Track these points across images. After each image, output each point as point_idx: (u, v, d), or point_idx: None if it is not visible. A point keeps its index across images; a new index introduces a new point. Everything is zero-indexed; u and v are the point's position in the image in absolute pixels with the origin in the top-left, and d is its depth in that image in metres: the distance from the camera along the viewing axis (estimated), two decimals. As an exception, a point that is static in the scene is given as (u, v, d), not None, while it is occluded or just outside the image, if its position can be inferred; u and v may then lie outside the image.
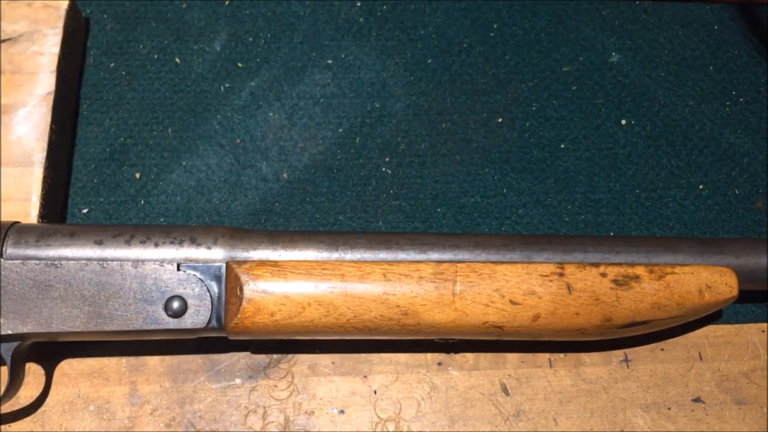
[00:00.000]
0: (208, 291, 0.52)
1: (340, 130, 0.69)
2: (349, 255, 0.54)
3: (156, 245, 0.53)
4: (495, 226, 0.66)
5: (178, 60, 0.71)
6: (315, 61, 0.72)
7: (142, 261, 0.52)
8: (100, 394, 0.57)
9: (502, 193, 0.67)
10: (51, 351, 0.58)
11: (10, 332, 0.50)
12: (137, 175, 0.66)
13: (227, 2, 0.74)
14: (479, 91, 0.72)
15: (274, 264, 0.52)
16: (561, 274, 0.53)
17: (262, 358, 0.59)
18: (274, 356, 0.59)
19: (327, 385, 0.58)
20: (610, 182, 0.68)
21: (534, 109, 0.71)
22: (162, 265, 0.52)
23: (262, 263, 0.52)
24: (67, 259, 0.51)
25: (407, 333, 0.53)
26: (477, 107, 0.71)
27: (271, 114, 0.69)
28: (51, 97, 0.62)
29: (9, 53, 0.64)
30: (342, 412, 0.57)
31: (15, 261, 0.51)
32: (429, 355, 0.60)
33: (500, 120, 0.71)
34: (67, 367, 0.58)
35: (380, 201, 0.66)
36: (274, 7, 0.74)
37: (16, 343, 0.52)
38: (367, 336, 0.54)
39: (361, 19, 0.74)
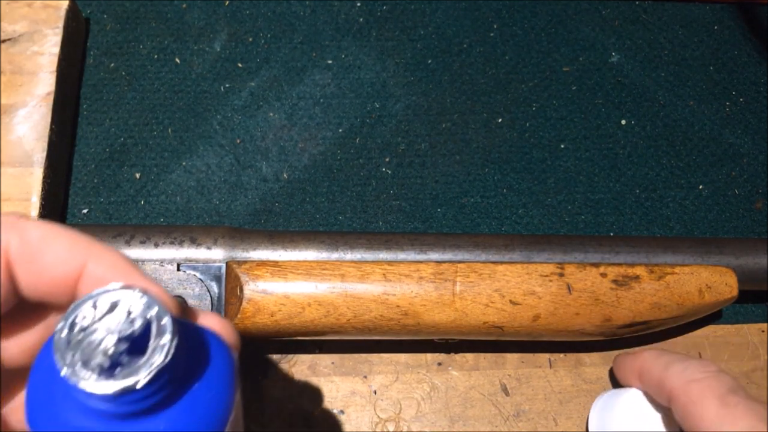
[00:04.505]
0: (208, 291, 0.52)
1: (340, 130, 0.69)
2: (349, 255, 0.54)
3: (156, 245, 0.53)
4: (495, 226, 0.66)
5: (178, 60, 0.71)
6: (315, 61, 0.72)
7: (142, 261, 0.52)
8: (100, 394, 0.57)
9: (502, 193, 0.67)
10: (51, 351, 0.58)
11: (10, 332, 0.50)
12: (137, 175, 0.66)
13: (227, 2, 0.74)
14: (479, 91, 0.72)
15: (274, 264, 0.52)
16: (561, 274, 0.53)
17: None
18: (274, 356, 0.59)
19: (327, 385, 0.58)
20: (610, 182, 0.68)
21: (534, 109, 0.71)
22: (162, 266, 0.52)
23: (262, 263, 0.52)
24: (67, 259, 0.51)
25: (407, 333, 0.53)
26: (477, 107, 0.71)
27: (271, 114, 0.69)
28: (51, 97, 0.62)
29: (9, 53, 0.64)
30: (342, 412, 0.57)
31: (15, 261, 0.51)
32: (429, 355, 0.60)
33: (500, 120, 0.71)
34: (67, 367, 0.58)
35: (380, 201, 0.66)
36: (274, 7, 0.74)
37: (16, 343, 0.51)
38: (367, 336, 0.54)
39: (361, 19, 0.74)
